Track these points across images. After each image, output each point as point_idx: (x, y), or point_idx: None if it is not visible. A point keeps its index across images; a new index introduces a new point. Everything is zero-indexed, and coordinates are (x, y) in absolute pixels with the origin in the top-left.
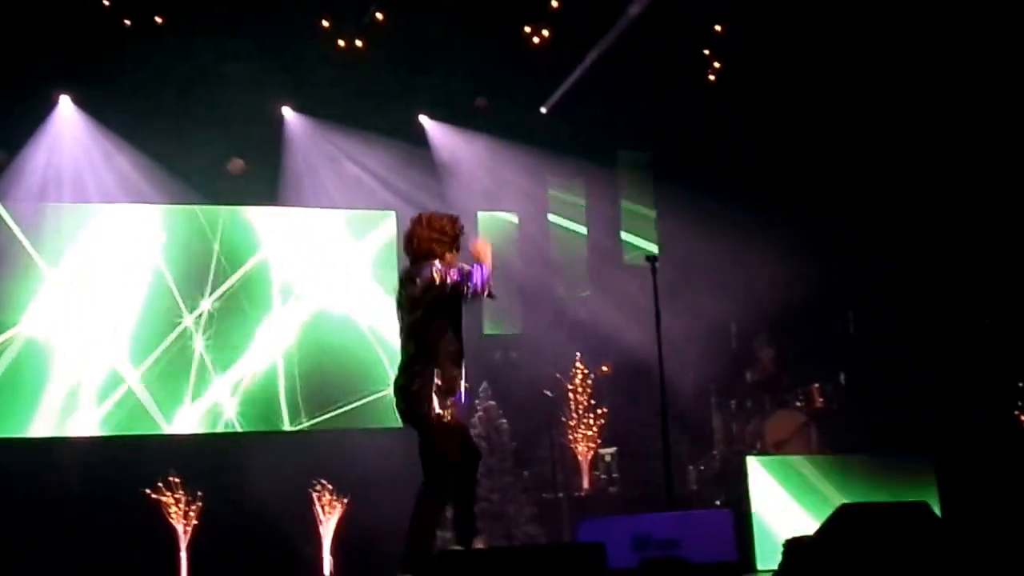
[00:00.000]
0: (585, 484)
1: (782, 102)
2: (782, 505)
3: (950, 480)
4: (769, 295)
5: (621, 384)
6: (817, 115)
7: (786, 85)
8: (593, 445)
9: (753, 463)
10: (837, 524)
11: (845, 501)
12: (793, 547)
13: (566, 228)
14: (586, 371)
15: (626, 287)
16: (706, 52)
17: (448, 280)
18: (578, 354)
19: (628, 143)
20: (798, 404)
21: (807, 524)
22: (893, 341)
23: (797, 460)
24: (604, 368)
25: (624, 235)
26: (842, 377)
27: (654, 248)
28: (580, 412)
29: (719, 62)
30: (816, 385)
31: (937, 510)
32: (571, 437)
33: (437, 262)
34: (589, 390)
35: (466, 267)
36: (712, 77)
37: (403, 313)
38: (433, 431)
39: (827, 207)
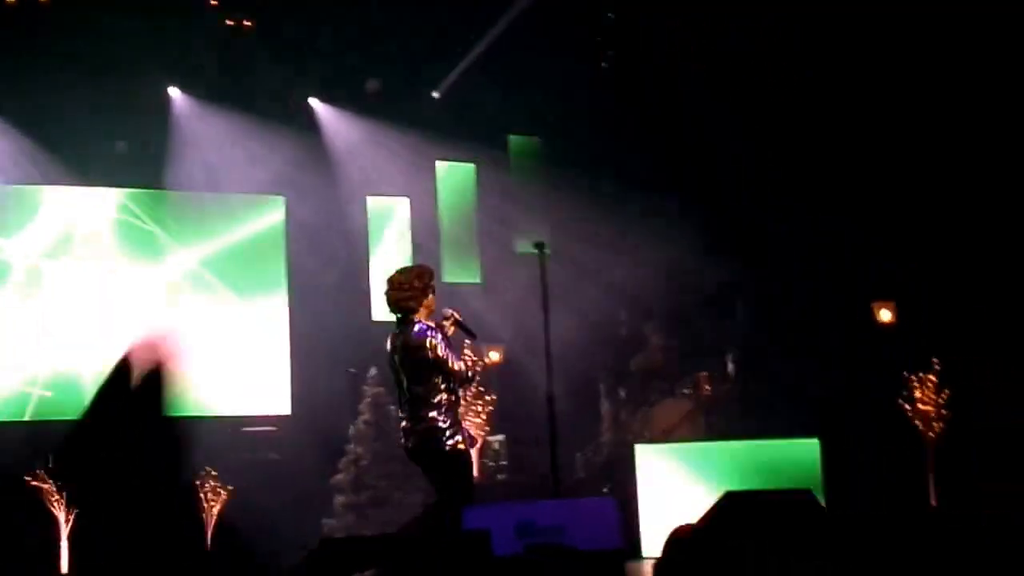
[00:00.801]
0: (473, 471)
1: (674, 90)
2: (669, 492)
3: (836, 466)
4: (659, 282)
5: (511, 371)
6: (708, 104)
7: (677, 73)
8: (482, 432)
9: (641, 451)
10: (721, 511)
11: (731, 488)
12: (675, 535)
13: (456, 214)
14: (476, 358)
15: (516, 273)
16: (598, 39)
17: (443, 358)
18: (467, 341)
19: (520, 129)
20: (686, 392)
21: (694, 511)
22: (782, 329)
23: (684, 447)
24: (494, 355)
25: (514, 221)
26: (730, 365)
27: (544, 234)
28: (469, 399)
29: (612, 49)
30: (704, 373)
31: (822, 496)
32: None
33: (433, 336)
34: (478, 377)
35: (459, 363)
36: (604, 64)
37: (399, 369)
38: (453, 463)
39: (718, 195)
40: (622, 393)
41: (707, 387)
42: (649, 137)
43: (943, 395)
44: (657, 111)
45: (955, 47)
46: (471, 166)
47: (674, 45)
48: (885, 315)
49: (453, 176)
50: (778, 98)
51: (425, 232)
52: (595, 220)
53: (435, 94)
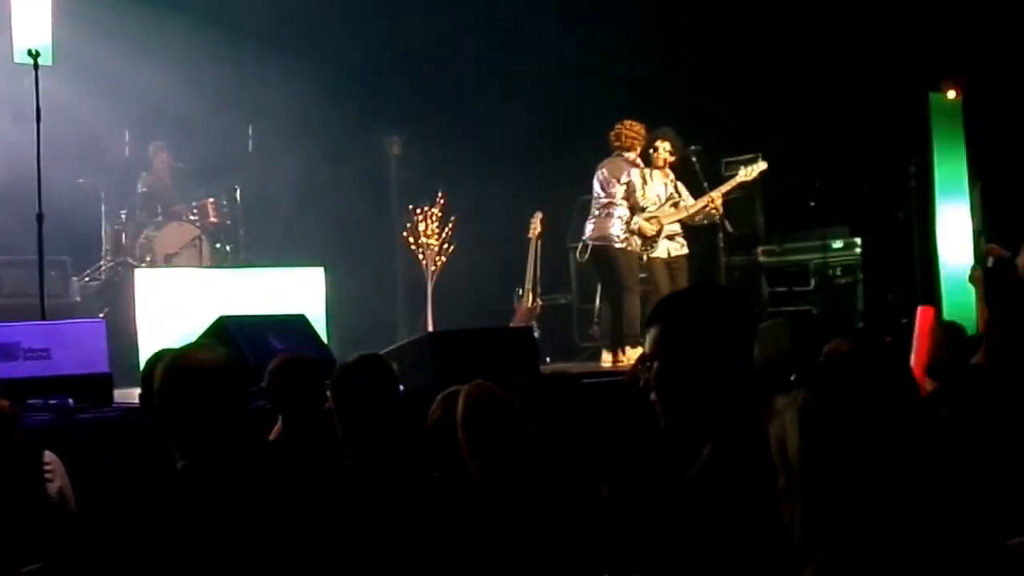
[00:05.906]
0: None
1: None
2: (169, 317)
3: (341, 293)
4: (167, 102)
5: (4, 191)
6: None
7: None
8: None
9: (141, 275)
10: (213, 334)
11: (227, 313)
12: (156, 360)
13: None
14: None
15: (13, 85)
16: None
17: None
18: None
19: None
20: (192, 217)
21: (192, 335)
22: (287, 156)
23: (185, 272)
24: None
25: (16, 27)
26: (239, 192)
27: (47, 45)
28: None
29: None
30: (211, 200)
31: (324, 322)
32: None
33: (633, 171)
34: None
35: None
36: None
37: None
38: (618, 255)
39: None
40: (123, 215)
41: (213, 214)
42: None
43: (448, 230)
44: None
45: None
46: None
47: None
48: (395, 149)
49: None
50: None
51: None
52: (103, 31)
53: None
